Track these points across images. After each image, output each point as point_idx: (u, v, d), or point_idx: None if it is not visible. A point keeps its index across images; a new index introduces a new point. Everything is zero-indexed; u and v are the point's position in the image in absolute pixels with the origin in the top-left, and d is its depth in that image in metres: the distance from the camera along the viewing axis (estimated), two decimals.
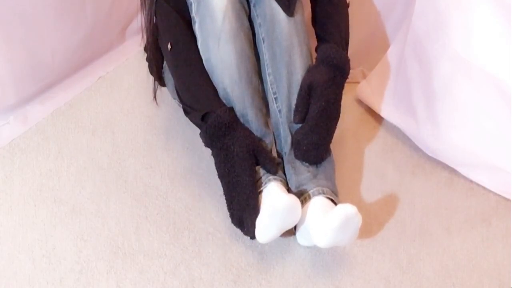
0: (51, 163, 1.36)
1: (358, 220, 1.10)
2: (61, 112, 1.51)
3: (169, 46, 1.25)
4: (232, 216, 1.18)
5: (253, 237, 1.14)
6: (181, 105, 1.29)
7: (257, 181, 1.18)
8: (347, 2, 1.37)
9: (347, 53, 1.31)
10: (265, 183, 1.17)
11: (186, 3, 1.26)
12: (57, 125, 1.46)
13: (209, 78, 1.23)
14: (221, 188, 1.22)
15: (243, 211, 1.15)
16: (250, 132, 1.20)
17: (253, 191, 1.15)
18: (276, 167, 1.20)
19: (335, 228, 1.07)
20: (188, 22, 1.26)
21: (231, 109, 1.20)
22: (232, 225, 1.20)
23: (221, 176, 1.19)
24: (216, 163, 1.19)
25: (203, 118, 1.19)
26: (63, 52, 1.53)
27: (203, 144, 1.21)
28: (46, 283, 1.11)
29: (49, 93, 1.54)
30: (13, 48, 1.39)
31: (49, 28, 1.46)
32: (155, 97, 1.46)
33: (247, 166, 1.16)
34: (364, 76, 1.68)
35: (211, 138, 1.18)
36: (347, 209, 1.07)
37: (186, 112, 1.26)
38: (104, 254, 1.17)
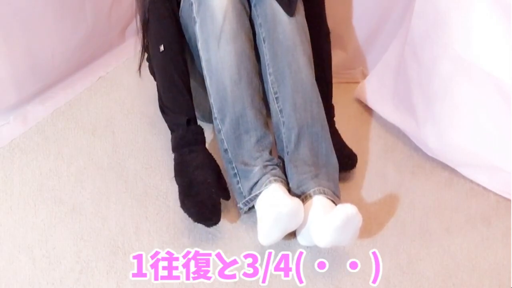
0: (51, 163, 1.36)
1: (358, 220, 1.10)
2: (61, 112, 1.51)
3: (161, 48, 1.28)
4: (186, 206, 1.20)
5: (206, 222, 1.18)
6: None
7: (256, 182, 1.19)
8: (329, 31, 1.40)
9: (331, 97, 1.36)
10: (266, 185, 1.17)
11: (178, 4, 1.28)
12: (57, 125, 1.46)
13: (190, 87, 1.31)
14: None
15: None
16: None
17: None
18: (228, 194, 1.25)
19: (335, 228, 1.07)
20: (179, 25, 1.29)
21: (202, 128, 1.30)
22: (232, 225, 1.22)
23: (179, 173, 1.24)
24: (178, 163, 1.26)
25: (187, 122, 1.28)
26: (63, 52, 1.53)
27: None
28: (46, 283, 1.11)
29: (49, 93, 1.54)
30: (13, 48, 1.39)
31: (49, 28, 1.47)
32: (139, 68, 1.44)
33: (210, 169, 1.23)
34: (364, 76, 1.68)
35: (186, 141, 1.27)
36: (347, 209, 1.08)
37: (163, 112, 1.32)
38: (104, 254, 1.17)
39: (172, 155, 1.39)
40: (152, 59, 1.34)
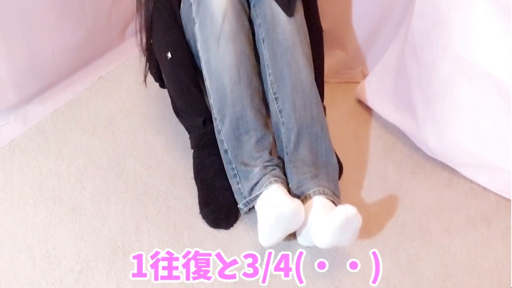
0: (51, 163, 1.36)
1: (358, 221, 1.10)
2: (61, 112, 1.51)
3: (169, 55, 1.29)
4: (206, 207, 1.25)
5: (224, 227, 1.24)
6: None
7: (256, 183, 1.19)
8: (321, 28, 1.40)
9: (323, 98, 1.36)
10: (266, 185, 1.17)
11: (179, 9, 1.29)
12: (57, 125, 1.47)
13: (201, 88, 1.32)
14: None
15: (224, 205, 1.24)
16: None
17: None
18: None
19: (335, 229, 1.07)
20: (182, 30, 1.31)
21: None
22: (232, 225, 1.23)
23: (199, 176, 1.29)
24: (197, 165, 1.31)
25: (204, 122, 1.30)
26: (63, 52, 1.53)
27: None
28: (46, 283, 1.11)
29: (49, 93, 1.54)
30: (13, 48, 1.39)
31: (49, 28, 1.47)
32: (145, 80, 1.46)
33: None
34: (364, 76, 1.68)
35: (204, 141, 1.30)
36: (347, 210, 1.08)
37: (178, 115, 1.35)
38: (104, 254, 1.17)
39: (174, 156, 1.39)
40: (161, 66, 1.35)
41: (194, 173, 1.32)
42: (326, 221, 1.09)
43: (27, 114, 1.47)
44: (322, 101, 1.37)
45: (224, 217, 1.23)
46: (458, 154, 1.38)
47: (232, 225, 1.24)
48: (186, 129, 1.36)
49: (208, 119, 1.30)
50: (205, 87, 1.31)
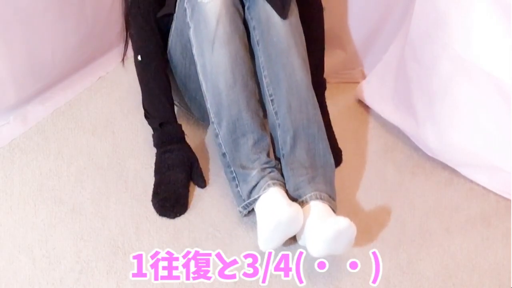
0: (51, 163, 1.36)
1: (352, 232, 1.10)
2: (61, 112, 1.51)
3: (139, 57, 1.34)
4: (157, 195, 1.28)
5: (170, 216, 1.25)
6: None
7: (255, 186, 1.19)
8: (323, 7, 1.41)
9: (323, 72, 1.41)
10: (264, 188, 1.17)
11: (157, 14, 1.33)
12: (57, 125, 1.47)
13: (169, 92, 1.37)
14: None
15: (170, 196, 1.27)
16: (190, 148, 1.35)
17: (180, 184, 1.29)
18: (204, 182, 1.33)
19: (327, 240, 1.08)
20: (159, 35, 1.35)
21: (180, 126, 1.36)
22: (232, 225, 1.23)
23: (156, 171, 1.32)
24: (156, 162, 1.33)
25: (161, 125, 1.34)
26: (63, 52, 1.54)
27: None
28: (46, 283, 1.11)
29: (49, 93, 1.54)
30: (13, 48, 1.39)
31: (49, 28, 1.47)
32: (123, 59, 1.51)
33: (181, 167, 1.30)
34: (364, 76, 1.68)
35: (161, 141, 1.33)
36: (339, 223, 1.08)
37: (145, 116, 1.38)
38: (104, 254, 1.17)
39: None
40: (135, 66, 1.39)
41: (154, 169, 1.34)
42: (319, 231, 1.09)
43: (27, 114, 1.47)
44: (322, 74, 1.44)
45: (170, 207, 1.25)
46: (458, 154, 1.38)
47: (178, 215, 1.26)
48: (152, 128, 1.37)
49: (166, 122, 1.34)
50: (195, 88, 1.35)
